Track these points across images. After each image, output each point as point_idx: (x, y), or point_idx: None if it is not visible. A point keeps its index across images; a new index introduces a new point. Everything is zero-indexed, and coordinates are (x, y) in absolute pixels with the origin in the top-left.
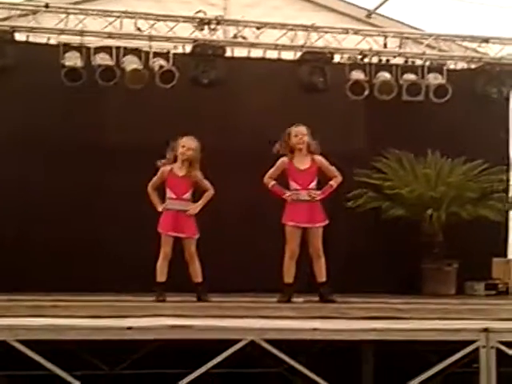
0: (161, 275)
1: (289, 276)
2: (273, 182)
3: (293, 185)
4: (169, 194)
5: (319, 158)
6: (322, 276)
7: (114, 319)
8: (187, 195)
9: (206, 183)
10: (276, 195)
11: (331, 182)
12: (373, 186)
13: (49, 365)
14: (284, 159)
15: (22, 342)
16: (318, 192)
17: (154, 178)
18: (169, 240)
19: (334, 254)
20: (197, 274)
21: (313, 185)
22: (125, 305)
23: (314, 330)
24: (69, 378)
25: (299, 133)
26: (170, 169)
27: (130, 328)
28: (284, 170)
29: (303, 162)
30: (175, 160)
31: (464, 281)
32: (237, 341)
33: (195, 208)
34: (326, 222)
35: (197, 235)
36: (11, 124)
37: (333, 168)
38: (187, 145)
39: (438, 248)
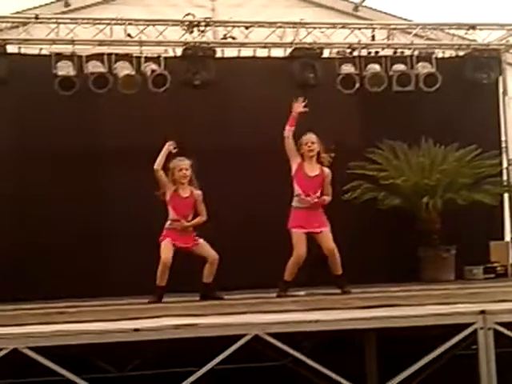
0: (161, 280)
1: (290, 275)
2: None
3: (297, 190)
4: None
5: (327, 171)
6: (338, 270)
7: (120, 322)
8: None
9: (203, 208)
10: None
11: (325, 197)
12: (368, 177)
13: (60, 370)
14: (297, 159)
15: (33, 348)
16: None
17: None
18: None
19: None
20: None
21: (318, 194)
22: (130, 308)
23: (317, 321)
24: (80, 382)
25: (309, 141)
26: (174, 189)
27: (137, 330)
28: (293, 173)
29: (313, 170)
30: (174, 183)
31: (463, 266)
32: (241, 336)
33: (186, 225)
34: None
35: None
36: (6, 135)
37: (330, 188)
38: (185, 166)
39: (435, 235)
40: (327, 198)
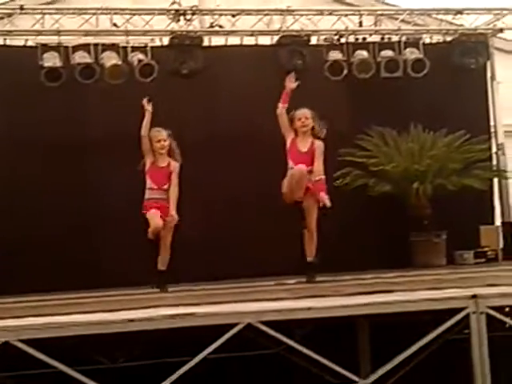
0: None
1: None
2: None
3: (291, 164)
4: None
5: (318, 143)
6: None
7: (114, 313)
8: (167, 186)
9: (176, 182)
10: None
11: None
12: (358, 164)
13: (53, 362)
14: (293, 134)
15: (25, 341)
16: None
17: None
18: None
19: (325, 233)
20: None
21: (310, 168)
22: (123, 298)
23: (309, 309)
24: (73, 373)
25: (303, 116)
26: (153, 160)
27: (131, 320)
28: (287, 148)
29: (305, 145)
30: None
31: (453, 251)
32: (234, 325)
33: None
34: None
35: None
36: None
37: (320, 163)
38: (162, 137)
39: (426, 220)
40: (315, 175)
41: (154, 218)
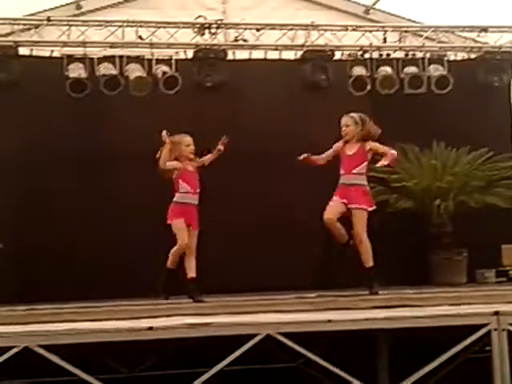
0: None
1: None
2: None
3: (341, 170)
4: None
5: (369, 142)
6: (367, 261)
7: (134, 320)
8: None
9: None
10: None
11: (392, 151)
12: (379, 179)
13: (72, 369)
14: (338, 144)
15: (45, 347)
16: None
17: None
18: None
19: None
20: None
21: (358, 169)
22: (142, 308)
23: (329, 321)
24: (92, 381)
25: (343, 124)
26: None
27: (150, 328)
28: (337, 155)
29: (351, 148)
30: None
31: (475, 269)
32: (253, 335)
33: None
34: (373, 206)
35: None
36: (18, 138)
37: (384, 147)
38: (191, 141)
39: (447, 238)
40: (392, 152)
41: (182, 231)
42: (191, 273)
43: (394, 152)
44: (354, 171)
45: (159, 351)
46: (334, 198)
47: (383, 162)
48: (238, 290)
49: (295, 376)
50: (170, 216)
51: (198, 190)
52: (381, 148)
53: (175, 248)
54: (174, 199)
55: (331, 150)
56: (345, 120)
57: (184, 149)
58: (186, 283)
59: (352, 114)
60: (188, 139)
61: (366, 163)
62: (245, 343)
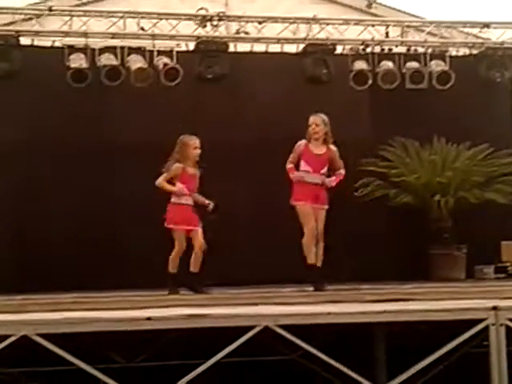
0: (173, 267)
1: (312, 257)
2: (290, 165)
3: (304, 166)
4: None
5: (334, 148)
6: (319, 260)
7: (132, 310)
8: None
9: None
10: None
11: (341, 171)
12: (379, 174)
13: (70, 358)
14: (300, 143)
15: (43, 335)
16: (332, 179)
17: (166, 175)
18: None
19: (344, 243)
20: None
21: (324, 171)
22: (141, 299)
23: (328, 313)
24: (89, 370)
25: (313, 123)
26: (183, 167)
27: (149, 318)
28: (300, 153)
29: (319, 148)
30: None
31: (474, 265)
32: (251, 327)
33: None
34: (327, 206)
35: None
36: (19, 127)
37: (341, 161)
38: (198, 144)
39: (446, 233)
40: (343, 172)
41: (180, 238)
42: (195, 268)
43: (343, 172)
44: (322, 171)
45: (157, 342)
46: (309, 203)
47: (332, 183)
48: (238, 283)
49: (292, 369)
50: (169, 220)
51: (195, 192)
52: (339, 161)
53: (173, 253)
54: (171, 200)
55: (296, 154)
56: (314, 119)
57: (191, 151)
58: (188, 275)
59: (320, 114)
60: (196, 142)
61: (327, 165)
62: (243, 335)
